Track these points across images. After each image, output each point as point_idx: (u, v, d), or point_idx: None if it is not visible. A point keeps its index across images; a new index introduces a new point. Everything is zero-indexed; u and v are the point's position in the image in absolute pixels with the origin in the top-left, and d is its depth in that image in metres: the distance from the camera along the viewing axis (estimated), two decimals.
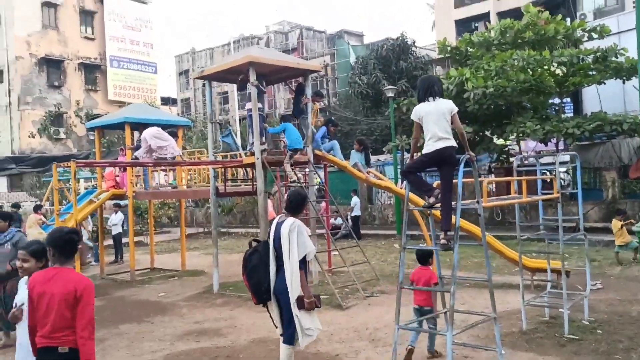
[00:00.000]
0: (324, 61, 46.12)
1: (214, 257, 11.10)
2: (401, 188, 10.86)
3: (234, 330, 8.03)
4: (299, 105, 11.00)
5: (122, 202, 21.45)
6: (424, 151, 5.19)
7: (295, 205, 5.21)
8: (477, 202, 5.05)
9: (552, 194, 7.05)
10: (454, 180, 5.08)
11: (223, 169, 11.35)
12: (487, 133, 20.32)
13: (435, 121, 5.16)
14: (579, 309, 7.68)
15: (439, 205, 5.12)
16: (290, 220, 5.08)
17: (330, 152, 11.41)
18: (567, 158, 17.71)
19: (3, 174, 28.58)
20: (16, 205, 13.19)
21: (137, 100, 39.38)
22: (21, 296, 4.15)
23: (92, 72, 40.03)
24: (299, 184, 10.20)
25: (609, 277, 10.51)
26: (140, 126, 13.26)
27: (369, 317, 8.30)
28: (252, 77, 9.83)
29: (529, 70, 17.73)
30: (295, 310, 4.99)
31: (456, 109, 5.22)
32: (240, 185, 13.55)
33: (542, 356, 6.25)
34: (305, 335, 5.03)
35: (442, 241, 5.10)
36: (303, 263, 5.05)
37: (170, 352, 7.16)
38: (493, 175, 21.24)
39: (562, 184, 21.44)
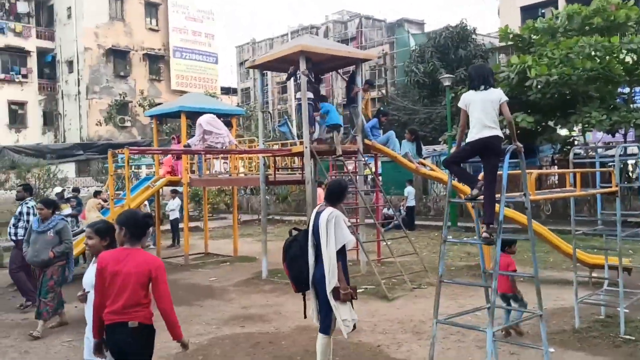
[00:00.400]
0: (383, 50, 45.60)
1: (263, 243, 11.23)
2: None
3: (278, 316, 8.10)
4: (350, 94, 10.92)
5: (179, 189, 22.21)
6: (468, 139, 5.02)
7: (335, 195, 5.16)
8: (524, 194, 4.83)
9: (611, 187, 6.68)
10: (498, 172, 4.87)
11: (273, 158, 11.43)
12: (550, 123, 19.53)
13: (482, 109, 4.98)
14: (637, 309, 7.28)
15: (482, 197, 4.94)
16: (329, 210, 5.03)
17: (387, 143, 11.27)
18: (636, 150, 16.80)
19: (72, 159, 29.95)
20: (76, 190, 13.78)
21: (199, 90, 40.32)
22: (89, 278, 4.24)
23: (156, 62, 41.28)
24: (348, 175, 10.15)
25: None
26: (196, 115, 13.59)
27: (414, 309, 8.17)
28: (302, 66, 9.81)
29: (596, 57, 16.88)
30: (332, 300, 4.95)
31: (505, 98, 5.00)
32: (294, 174, 13.62)
33: (594, 356, 5.96)
34: (343, 327, 5.00)
35: (484, 234, 4.91)
36: (341, 254, 4.99)
37: (216, 335, 7.29)
38: (556, 167, 20.45)
39: (631, 176, 20.39)
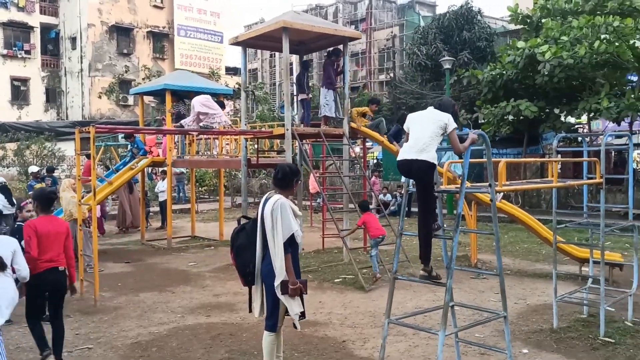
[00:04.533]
0: (392, 32, 44.86)
1: None
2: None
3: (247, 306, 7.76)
4: (335, 75, 10.47)
5: (177, 170, 21.88)
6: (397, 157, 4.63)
7: (283, 180, 4.74)
8: (489, 185, 4.41)
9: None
10: (459, 160, 4.45)
11: (256, 140, 11.02)
12: (556, 111, 18.94)
13: (420, 129, 4.53)
14: (625, 308, 6.85)
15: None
16: (276, 197, 4.64)
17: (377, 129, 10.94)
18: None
19: (73, 137, 29.63)
20: (51, 169, 13.47)
21: (203, 70, 39.84)
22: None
23: (160, 40, 40.77)
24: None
25: None
26: (186, 93, 13.18)
27: None
28: (285, 43, 9.36)
29: (607, 40, 16.22)
30: (279, 295, 4.59)
31: (453, 126, 4.42)
32: (282, 157, 13.22)
33: (568, 359, 5.57)
34: (297, 320, 4.64)
35: (422, 272, 4.55)
36: (291, 245, 4.60)
37: (177, 325, 6.99)
38: (560, 156, 19.88)
39: (636, 167, 19.79)
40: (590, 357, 5.60)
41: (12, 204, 9.16)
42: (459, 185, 4.88)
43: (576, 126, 21.46)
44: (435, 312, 5.56)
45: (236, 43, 10.33)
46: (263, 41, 10.42)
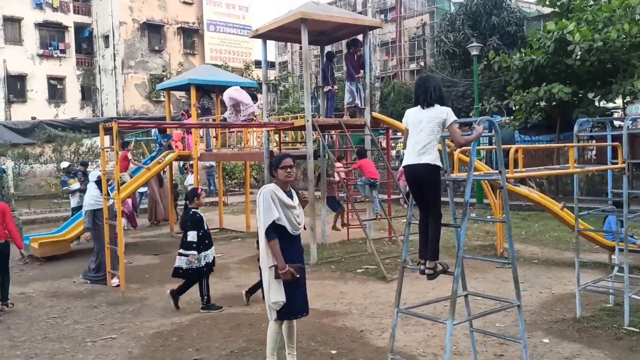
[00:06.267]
0: (422, 20, 44.26)
1: None
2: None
3: None
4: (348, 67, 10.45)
5: (207, 164, 22.14)
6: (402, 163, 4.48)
7: (272, 168, 4.83)
8: (499, 172, 4.32)
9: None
10: (467, 147, 4.36)
11: (279, 132, 11.06)
12: (590, 95, 18.39)
13: (417, 130, 4.31)
14: None
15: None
16: (265, 186, 4.77)
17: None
18: None
19: (105, 133, 30.24)
20: (84, 164, 13.79)
21: (233, 64, 40.18)
22: None
23: (191, 36, 41.20)
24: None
25: None
26: (211, 87, 13.32)
27: (410, 291, 7.71)
28: (304, 34, 9.34)
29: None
30: (264, 279, 4.69)
31: (453, 119, 4.18)
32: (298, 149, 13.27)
33: (590, 349, 5.44)
34: (273, 309, 4.67)
35: (428, 271, 4.42)
36: (277, 231, 4.61)
37: (199, 315, 7.10)
38: (594, 141, 19.34)
39: None
40: (613, 347, 5.46)
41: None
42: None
43: (612, 111, 20.79)
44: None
45: (256, 36, 10.36)
46: (283, 33, 10.41)
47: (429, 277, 4.45)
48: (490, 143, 16.79)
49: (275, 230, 4.59)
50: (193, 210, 7.36)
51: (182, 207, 17.59)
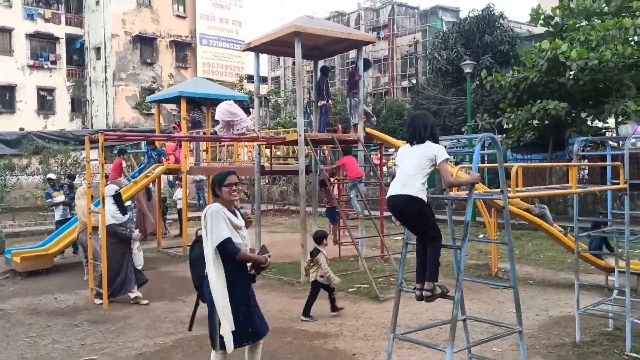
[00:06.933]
0: (414, 38, 44.51)
1: (257, 236, 10.69)
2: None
3: None
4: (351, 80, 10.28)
5: (197, 177, 21.88)
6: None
7: (213, 186, 4.52)
8: (501, 191, 4.13)
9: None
10: (466, 166, 4.17)
11: (270, 147, 10.86)
12: (582, 115, 18.40)
13: (407, 164, 4.24)
14: None
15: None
16: (209, 205, 4.47)
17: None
18: None
19: (93, 146, 29.91)
20: (71, 177, 13.51)
21: (225, 78, 40.04)
22: None
23: (183, 49, 41.10)
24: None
25: None
26: (202, 100, 13.10)
27: (404, 312, 7.48)
28: (298, 48, 9.18)
29: (634, 43, 15.74)
30: (218, 310, 4.26)
31: (444, 157, 4.12)
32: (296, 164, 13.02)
33: None
34: (229, 340, 4.28)
35: (425, 293, 4.22)
36: (229, 249, 4.30)
37: (184, 336, 6.81)
38: (586, 161, 19.31)
39: None
40: None
41: (123, 213, 8.46)
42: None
43: (603, 130, 20.83)
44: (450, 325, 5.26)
45: (249, 49, 10.19)
46: (277, 47, 10.25)
47: (426, 300, 4.23)
48: (483, 161, 16.68)
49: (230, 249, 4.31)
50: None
51: (170, 221, 17.41)
